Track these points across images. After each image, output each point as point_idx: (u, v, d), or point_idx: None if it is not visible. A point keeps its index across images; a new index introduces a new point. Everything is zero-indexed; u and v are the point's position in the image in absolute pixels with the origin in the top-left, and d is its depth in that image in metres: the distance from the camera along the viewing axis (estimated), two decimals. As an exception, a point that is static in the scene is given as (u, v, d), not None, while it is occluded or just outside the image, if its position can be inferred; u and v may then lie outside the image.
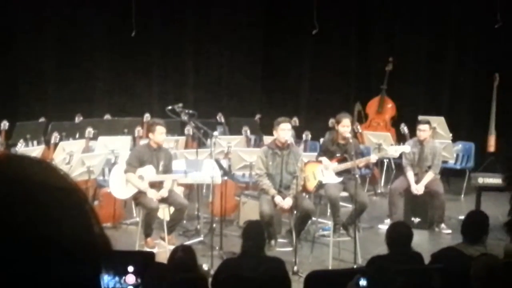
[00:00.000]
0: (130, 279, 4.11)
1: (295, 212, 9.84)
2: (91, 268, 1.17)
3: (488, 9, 15.29)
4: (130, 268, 4.19)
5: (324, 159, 10.52)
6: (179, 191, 10.96)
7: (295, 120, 13.65)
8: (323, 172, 10.43)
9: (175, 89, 16.41)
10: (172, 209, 10.29)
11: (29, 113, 14.52)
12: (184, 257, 6.32)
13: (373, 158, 10.96)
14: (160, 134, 10.16)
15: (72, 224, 1.15)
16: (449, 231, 11.00)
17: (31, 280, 1.10)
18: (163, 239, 10.12)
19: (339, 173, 10.43)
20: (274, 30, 17.09)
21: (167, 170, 10.22)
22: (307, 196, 10.50)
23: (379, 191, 13.69)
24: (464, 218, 7.51)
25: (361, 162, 10.48)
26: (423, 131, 11.32)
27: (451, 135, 13.49)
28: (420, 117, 12.10)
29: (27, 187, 1.14)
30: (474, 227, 7.09)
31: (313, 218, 10.35)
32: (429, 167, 11.32)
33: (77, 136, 12.91)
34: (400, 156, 11.39)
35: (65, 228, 1.14)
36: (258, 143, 13.42)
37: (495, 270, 5.21)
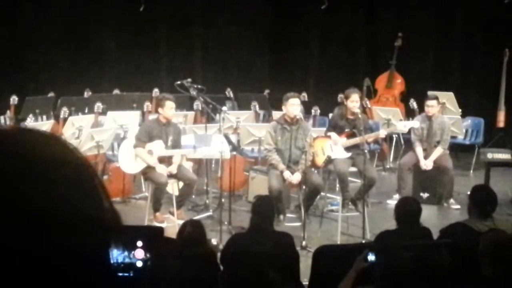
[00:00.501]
0: (139, 253, 4.13)
1: (303, 187, 9.85)
2: (100, 243, 1.17)
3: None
4: (139, 243, 4.20)
5: (333, 134, 10.53)
6: (188, 166, 10.98)
7: (304, 95, 13.61)
8: (332, 147, 10.44)
9: (184, 64, 16.37)
10: (181, 184, 10.32)
11: (38, 88, 14.53)
12: (193, 232, 6.33)
13: (382, 133, 10.97)
14: (169, 109, 10.16)
15: (81, 198, 1.16)
16: (458, 206, 10.99)
17: (40, 254, 1.10)
18: (172, 214, 10.16)
19: (348, 148, 10.44)
20: (283, 5, 17.03)
21: (176, 145, 10.24)
22: (315, 171, 10.51)
23: (387, 166, 13.68)
24: (470, 194, 7.49)
25: (370, 137, 10.48)
26: (431, 106, 11.29)
27: (460, 110, 13.46)
28: (429, 93, 12.06)
29: (36, 161, 1.14)
30: (483, 200, 7.07)
31: (322, 193, 10.37)
32: (438, 143, 11.30)
33: (86, 111, 12.94)
34: (409, 132, 11.36)
35: (74, 203, 1.14)
36: (267, 118, 13.42)
37: (503, 245, 5.21)
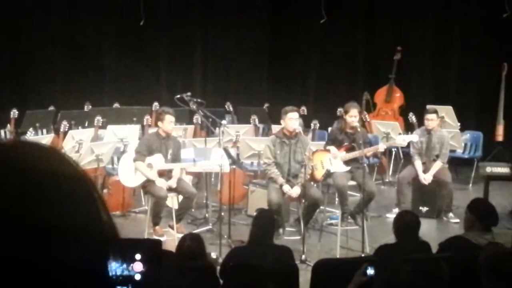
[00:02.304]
0: (138, 266, 4.13)
1: (303, 200, 9.86)
2: (98, 256, 1.18)
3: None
4: (138, 256, 4.20)
5: (332, 148, 10.53)
6: (188, 179, 10.98)
7: (303, 109, 13.65)
8: (331, 161, 10.44)
9: (184, 78, 16.42)
10: (180, 197, 10.33)
11: (38, 101, 14.57)
12: (192, 245, 6.34)
13: (381, 147, 10.96)
14: (169, 123, 10.17)
15: (80, 212, 1.16)
16: (457, 220, 10.98)
17: (39, 267, 1.11)
18: (171, 227, 10.15)
19: (347, 162, 10.44)
20: (282, 19, 17.08)
21: (176, 158, 10.25)
22: (315, 185, 10.51)
23: (387, 180, 13.68)
24: (470, 208, 7.47)
25: (369, 151, 10.48)
26: (431, 120, 11.30)
27: (459, 124, 13.49)
28: (428, 106, 12.08)
29: (36, 174, 1.15)
30: (486, 214, 7.07)
31: (321, 207, 10.36)
32: (437, 156, 11.31)
33: (86, 124, 12.95)
34: (408, 145, 11.37)
35: (73, 216, 1.15)
36: (267, 132, 13.43)
37: (503, 259, 5.21)
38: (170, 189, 10.08)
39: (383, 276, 5.14)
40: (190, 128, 12.83)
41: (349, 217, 10.42)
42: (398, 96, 15.86)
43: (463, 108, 14.72)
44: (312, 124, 12.64)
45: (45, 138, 11.25)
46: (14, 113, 12.75)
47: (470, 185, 13.40)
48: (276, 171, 10.04)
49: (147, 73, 16.29)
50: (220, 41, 16.96)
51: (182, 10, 16.66)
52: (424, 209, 11.29)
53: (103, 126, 12.16)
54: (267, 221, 7.46)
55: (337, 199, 10.95)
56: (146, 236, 9.76)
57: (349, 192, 10.72)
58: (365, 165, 9.89)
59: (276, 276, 5.84)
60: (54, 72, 15.81)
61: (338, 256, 9.28)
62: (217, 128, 10.84)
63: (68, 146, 10.97)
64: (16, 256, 1.10)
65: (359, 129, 10.27)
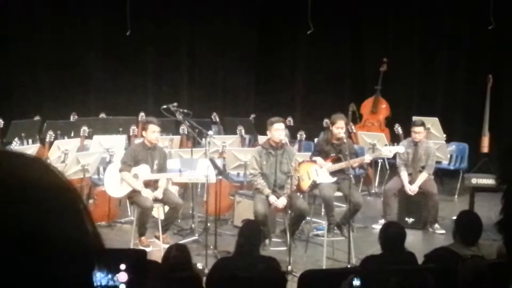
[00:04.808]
0: (122, 276, 4.12)
1: (289, 211, 9.84)
2: (83, 266, 1.17)
3: (482, 10, 15.31)
4: (122, 266, 4.20)
5: (318, 159, 10.53)
6: (174, 190, 10.97)
7: (290, 120, 13.67)
8: (317, 171, 10.44)
9: (170, 89, 16.40)
10: (166, 208, 10.30)
11: (24, 111, 14.52)
12: (178, 256, 6.33)
13: (367, 158, 10.97)
14: (152, 133, 10.16)
15: (65, 222, 1.15)
16: (443, 231, 11.02)
17: (22, 278, 1.10)
18: (157, 238, 10.13)
19: (333, 173, 10.45)
20: (268, 30, 17.11)
21: (162, 169, 10.23)
22: (301, 196, 10.52)
23: (373, 191, 13.70)
24: (456, 219, 7.52)
25: (355, 162, 10.49)
26: (418, 133, 11.33)
27: (445, 135, 13.53)
28: (415, 118, 12.12)
29: (20, 185, 1.13)
30: (467, 228, 7.09)
31: (307, 218, 10.35)
32: (423, 168, 11.34)
33: (72, 134, 12.89)
34: (394, 157, 11.40)
35: (58, 226, 1.13)
36: (253, 143, 13.43)
37: (483, 274, 5.23)
38: (156, 200, 10.06)
39: (369, 287, 5.14)
40: (176, 138, 12.81)
41: (335, 228, 10.43)
42: (384, 108, 15.90)
43: (449, 120, 14.78)
44: (298, 135, 12.63)
45: (30, 148, 11.21)
46: (0, 122, 12.70)
47: (456, 196, 13.43)
48: (262, 182, 10.04)
49: (133, 83, 16.27)
50: (207, 52, 16.96)
51: (168, 20, 16.65)
52: (410, 220, 11.31)
53: (89, 136, 12.13)
54: (253, 232, 7.46)
55: (323, 210, 10.96)
56: (131, 247, 9.74)
57: (335, 203, 10.73)
58: (351, 176, 9.92)
59: (263, 287, 5.83)
60: (40, 81, 15.76)
61: (324, 267, 9.28)
62: (203, 139, 10.83)
63: (53, 156, 10.94)
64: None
65: (345, 140, 10.28)
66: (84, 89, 16.04)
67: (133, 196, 10.11)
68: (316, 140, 11.99)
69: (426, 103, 16.08)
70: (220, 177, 10.29)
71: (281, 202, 9.90)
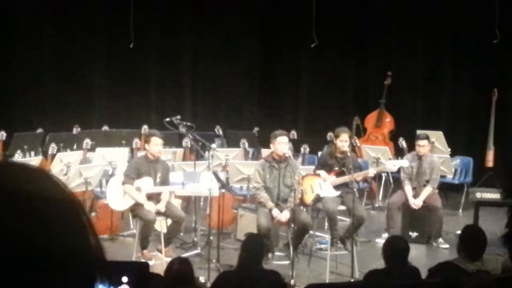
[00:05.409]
0: (125, 290, 4.09)
1: (292, 225, 9.82)
2: (85, 279, 1.16)
3: (487, 24, 15.32)
4: (125, 279, 4.17)
5: (322, 172, 10.51)
6: (177, 203, 10.94)
7: (293, 133, 13.66)
8: (321, 185, 10.42)
9: (173, 101, 16.40)
10: (169, 221, 10.27)
11: (26, 124, 14.50)
12: (181, 269, 6.30)
13: (371, 172, 10.96)
14: (155, 145, 10.14)
15: (68, 234, 1.15)
16: (447, 245, 10.97)
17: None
18: (160, 251, 10.10)
19: (337, 187, 10.43)
20: (272, 43, 17.13)
21: (164, 182, 10.21)
22: (304, 210, 10.48)
23: (377, 205, 13.66)
24: (460, 234, 7.47)
25: (359, 176, 10.47)
26: (422, 146, 11.31)
27: (449, 149, 13.50)
28: (419, 132, 12.10)
29: (23, 196, 1.13)
30: (472, 242, 7.05)
31: (311, 232, 10.34)
32: (427, 182, 11.32)
33: (74, 147, 12.88)
34: (398, 170, 11.37)
35: (60, 239, 1.13)
36: (256, 156, 13.40)
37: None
38: (158, 213, 10.04)
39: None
40: (180, 151, 12.79)
41: (339, 242, 10.39)
42: (388, 121, 15.88)
43: (453, 134, 14.76)
44: (302, 149, 12.62)
45: (33, 161, 11.20)
46: (2, 135, 12.69)
47: (460, 210, 13.40)
48: (266, 195, 10.01)
49: (136, 96, 16.27)
50: (211, 65, 16.97)
51: (172, 33, 16.68)
52: (414, 234, 11.26)
53: (92, 149, 12.11)
54: (256, 246, 7.43)
55: (326, 223, 10.93)
56: (134, 260, 9.70)
57: (338, 217, 10.70)
58: (355, 190, 9.91)
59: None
60: (43, 94, 15.77)
61: (327, 281, 9.25)
62: (206, 152, 10.81)
63: (56, 169, 10.92)
64: (2, 280, 1.07)
65: (349, 154, 10.26)
66: (87, 101, 16.04)
67: (135, 209, 10.09)
68: (319, 153, 11.96)
69: (431, 116, 16.08)
70: (223, 190, 10.27)
71: (284, 215, 9.86)
